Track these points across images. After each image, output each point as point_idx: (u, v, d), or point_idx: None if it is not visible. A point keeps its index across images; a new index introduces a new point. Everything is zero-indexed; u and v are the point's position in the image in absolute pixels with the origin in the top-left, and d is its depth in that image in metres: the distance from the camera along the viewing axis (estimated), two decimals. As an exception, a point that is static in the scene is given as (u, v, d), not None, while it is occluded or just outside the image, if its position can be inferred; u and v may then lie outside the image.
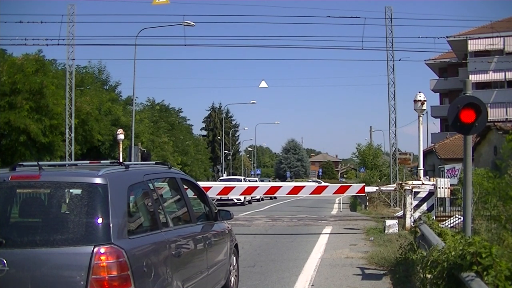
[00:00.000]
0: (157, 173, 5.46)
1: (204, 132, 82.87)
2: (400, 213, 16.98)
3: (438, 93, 49.44)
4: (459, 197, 14.25)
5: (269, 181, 47.03)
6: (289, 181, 66.02)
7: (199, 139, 69.81)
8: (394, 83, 26.68)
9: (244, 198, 29.98)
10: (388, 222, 14.31)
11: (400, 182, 16.74)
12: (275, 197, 35.74)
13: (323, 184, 20.53)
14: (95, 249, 3.90)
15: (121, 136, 24.80)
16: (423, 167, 16.45)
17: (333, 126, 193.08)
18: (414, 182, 14.88)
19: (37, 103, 23.63)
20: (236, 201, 29.56)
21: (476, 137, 23.68)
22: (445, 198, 15.29)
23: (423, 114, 15.82)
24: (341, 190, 15.83)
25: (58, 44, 23.89)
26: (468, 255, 4.61)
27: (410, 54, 64.52)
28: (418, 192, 14.27)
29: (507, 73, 38.27)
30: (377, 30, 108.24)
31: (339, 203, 33.54)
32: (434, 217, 12.76)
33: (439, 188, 14.08)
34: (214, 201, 11.99)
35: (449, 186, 14.27)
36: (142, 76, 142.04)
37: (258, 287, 7.89)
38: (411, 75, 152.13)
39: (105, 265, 3.89)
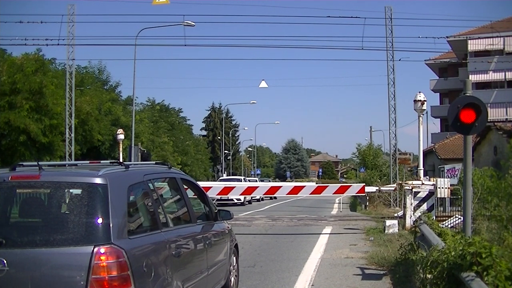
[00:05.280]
0: (157, 173, 5.46)
1: (204, 132, 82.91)
2: (400, 213, 16.98)
3: (438, 93, 49.44)
4: (459, 197, 14.25)
5: (269, 181, 47.01)
6: (289, 181, 66.01)
7: (199, 139, 69.86)
8: (394, 83, 26.71)
9: (244, 198, 29.97)
10: (388, 222, 14.30)
11: (400, 182, 16.75)
12: (275, 197, 35.74)
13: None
14: (95, 249, 3.90)
15: (121, 136, 24.81)
16: (423, 167, 16.47)
17: (333, 126, 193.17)
18: (414, 182, 14.89)
19: (36, 103, 23.66)
20: (236, 201, 29.55)
21: (476, 137, 23.67)
22: (445, 198, 15.28)
23: (423, 114, 15.83)
24: (341, 190, 15.82)
25: (58, 44, 23.94)
26: (468, 255, 4.61)
27: (410, 54, 64.52)
28: (418, 192, 14.28)
29: (507, 73, 38.25)
30: (377, 30, 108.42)
31: (339, 203, 33.54)
32: (434, 217, 12.76)
33: (439, 188, 14.08)
34: (214, 201, 11.99)
35: (449, 186, 14.27)
36: (142, 76, 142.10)
37: (258, 287, 7.89)
38: (411, 75, 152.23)
39: (105, 265, 3.89)
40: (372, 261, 9.75)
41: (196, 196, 6.69)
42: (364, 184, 19.05)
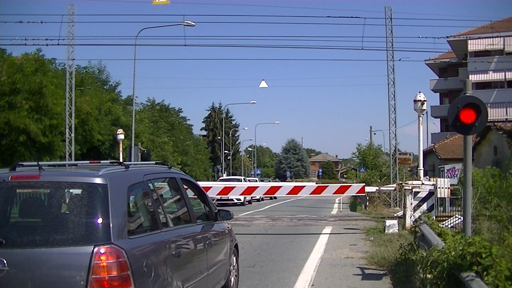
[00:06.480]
0: (157, 173, 5.46)
1: (204, 132, 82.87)
2: (400, 213, 16.98)
3: (438, 93, 49.47)
4: (459, 197, 14.25)
5: (269, 181, 47.00)
6: (289, 181, 66.01)
7: (199, 139, 69.81)
8: (394, 83, 26.74)
9: (244, 198, 29.98)
10: (388, 222, 14.30)
11: (400, 182, 16.74)
12: (275, 197, 35.75)
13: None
14: (95, 249, 3.90)
15: (121, 136, 24.81)
16: (423, 167, 16.46)
17: (333, 126, 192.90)
18: (414, 182, 14.89)
19: (36, 103, 23.63)
20: (236, 201, 29.55)
21: (476, 137, 23.68)
22: (445, 198, 15.29)
23: (423, 114, 15.83)
24: (341, 190, 15.80)
25: (58, 44, 23.99)
26: (468, 255, 4.61)
27: (410, 54, 64.68)
28: (418, 192, 14.28)
29: (507, 73, 38.25)
30: (377, 30, 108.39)
31: (339, 203, 33.54)
32: (434, 217, 12.77)
33: (439, 188, 14.09)
34: (214, 201, 11.98)
35: (449, 186, 14.28)
36: (142, 76, 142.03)
37: (258, 287, 7.89)
38: (411, 75, 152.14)
39: (105, 265, 3.89)
40: (372, 261, 9.75)
41: (196, 196, 6.69)
42: (364, 184, 19.04)
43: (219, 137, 70.90)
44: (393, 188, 18.40)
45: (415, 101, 15.11)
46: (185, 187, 6.05)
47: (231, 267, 7.06)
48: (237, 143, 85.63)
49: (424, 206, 14.17)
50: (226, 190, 15.46)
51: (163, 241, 4.74)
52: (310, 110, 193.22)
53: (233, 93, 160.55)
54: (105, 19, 58.10)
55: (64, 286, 3.89)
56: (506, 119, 34.15)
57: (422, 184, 14.46)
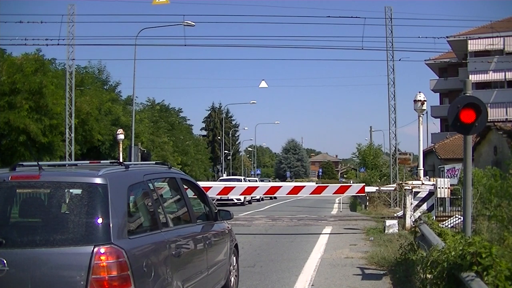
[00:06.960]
0: (157, 173, 5.46)
1: (204, 132, 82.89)
2: (400, 213, 16.98)
3: (438, 93, 49.47)
4: (459, 197, 14.25)
5: (269, 181, 46.99)
6: (289, 181, 66.00)
7: (199, 139, 69.81)
8: (394, 83, 26.75)
9: (244, 198, 29.98)
10: (388, 222, 14.30)
11: (400, 182, 16.74)
12: (275, 197, 35.75)
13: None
14: (95, 249, 3.90)
15: (121, 136, 24.82)
16: (423, 167, 16.47)
17: (333, 126, 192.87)
18: (414, 182, 14.89)
19: (36, 103, 23.63)
20: (236, 201, 29.56)
21: (476, 137, 23.69)
22: (445, 198, 15.29)
23: (423, 114, 15.84)
24: (341, 190, 15.81)
25: (58, 44, 24.02)
26: (468, 255, 4.61)
27: (410, 54, 64.72)
28: (418, 192, 14.28)
29: (507, 73, 38.26)
30: (377, 30, 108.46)
31: (339, 203, 33.54)
32: (434, 217, 12.77)
33: (439, 188, 14.09)
34: (214, 201, 11.97)
35: (449, 186, 14.28)
36: (142, 76, 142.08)
37: (258, 287, 7.89)
38: (411, 75, 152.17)
39: (105, 265, 3.89)
40: (372, 261, 9.75)
41: (196, 196, 6.69)
42: (364, 184, 19.04)
43: (219, 137, 70.90)
44: (393, 188, 18.40)
45: (415, 101, 15.12)
46: (185, 187, 6.05)
47: (231, 267, 7.06)
48: (237, 143, 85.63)
49: (424, 206, 14.16)
50: (226, 190, 15.46)
51: (163, 241, 4.74)
52: (310, 110, 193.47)
53: (233, 93, 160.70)
54: (105, 19, 58.27)
55: (64, 286, 3.89)
56: (506, 119, 34.15)
57: (422, 184, 14.46)
